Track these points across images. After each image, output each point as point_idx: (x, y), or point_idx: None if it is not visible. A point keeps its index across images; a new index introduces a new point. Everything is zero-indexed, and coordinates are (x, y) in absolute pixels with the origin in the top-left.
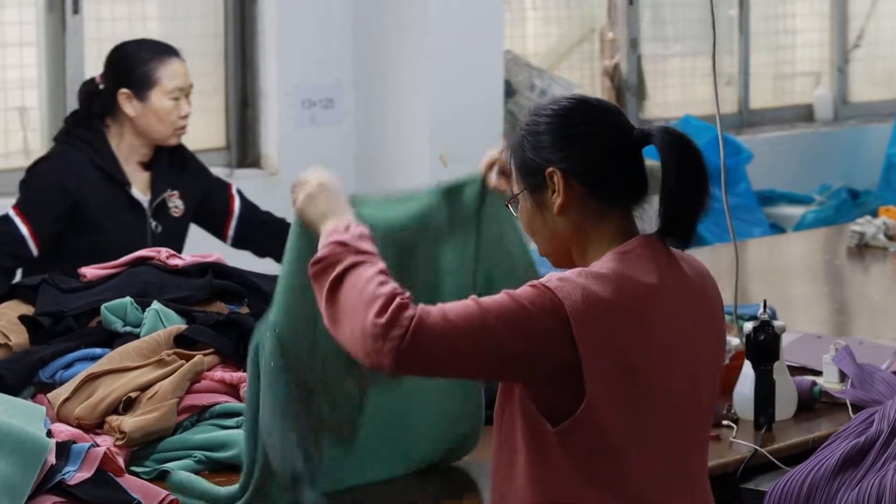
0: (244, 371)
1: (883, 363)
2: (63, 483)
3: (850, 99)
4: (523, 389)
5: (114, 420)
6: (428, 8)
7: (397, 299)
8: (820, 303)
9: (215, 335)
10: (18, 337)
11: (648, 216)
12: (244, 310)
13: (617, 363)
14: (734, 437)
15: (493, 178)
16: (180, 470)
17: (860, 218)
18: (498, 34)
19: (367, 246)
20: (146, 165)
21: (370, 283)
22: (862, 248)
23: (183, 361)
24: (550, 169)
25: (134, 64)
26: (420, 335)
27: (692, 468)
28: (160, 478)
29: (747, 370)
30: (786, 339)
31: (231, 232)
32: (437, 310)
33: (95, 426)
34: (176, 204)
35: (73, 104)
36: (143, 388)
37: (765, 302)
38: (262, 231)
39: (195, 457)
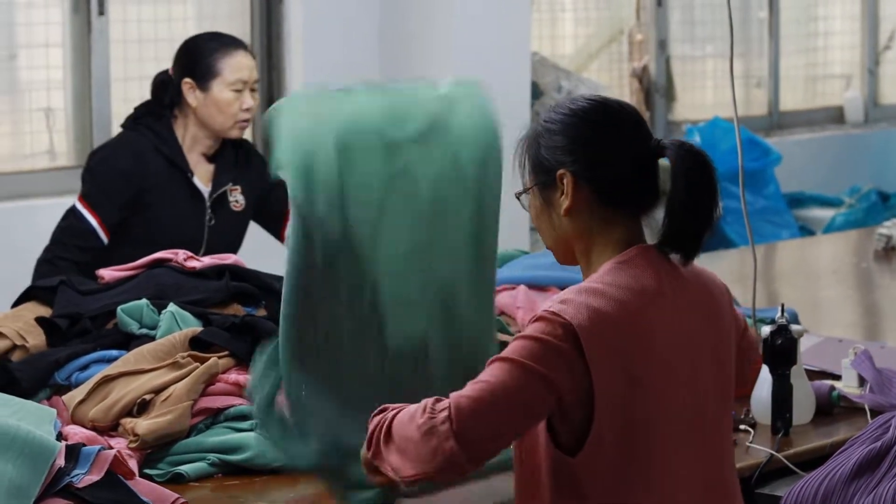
0: None
1: None
2: (71, 486)
3: (881, 101)
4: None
5: (128, 422)
6: (454, 10)
7: (427, 404)
8: (847, 306)
9: (230, 338)
10: (36, 339)
11: (656, 224)
12: (261, 312)
13: (623, 376)
14: (751, 442)
15: None
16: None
17: (887, 221)
18: (525, 36)
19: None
20: (211, 157)
21: (406, 414)
22: (889, 251)
23: (198, 364)
24: (561, 171)
25: (199, 54)
26: (463, 412)
27: (715, 478)
28: (173, 480)
29: (765, 374)
30: (807, 343)
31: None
32: (468, 386)
33: (110, 428)
34: (236, 199)
35: (98, 105)
36: (158, 391)
37: (782, 306)
38: None
39: (209, 459)
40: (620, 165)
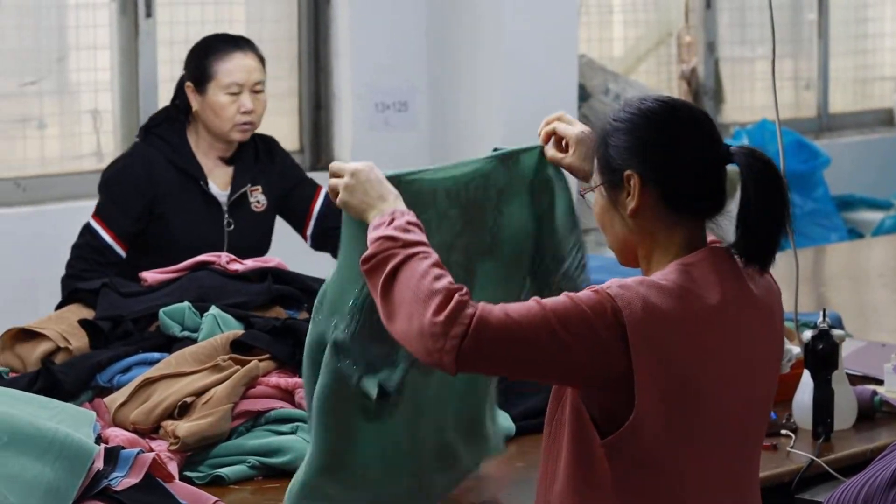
0: (300, 377)
1: None
2: (109, 489)
3: None
4: (577, 393)
5: (169, 425)
6: (502, 11)
7: (456, 296)
8: (893, 311)
9: (272, 341)
10: (79, 341)
11: (724, 226)
12: (303, 315)
13: (670, 377)
14: (792, 447)
15: (550, 150)
16: (236, 476)
17: None
18: (572, 38)
19: (416, 236)
20: (229, 160)
21: (425, 278)
22: None
23: (238, 367)
24: (628, 172)
25: (197, 57)
26: (482, 334)
27: (742, 484)
28: (214, 483)
29: (806, 379)
30: (849, 348)
31: (309, 231)
32: (498, 309)
33: (151, 431)
34: (257, 199)
35: (145, 107)
36: (199, 394)
37: (824, 310)
38: (337, 236)
39: (249, 462)
40: (689, 170)
